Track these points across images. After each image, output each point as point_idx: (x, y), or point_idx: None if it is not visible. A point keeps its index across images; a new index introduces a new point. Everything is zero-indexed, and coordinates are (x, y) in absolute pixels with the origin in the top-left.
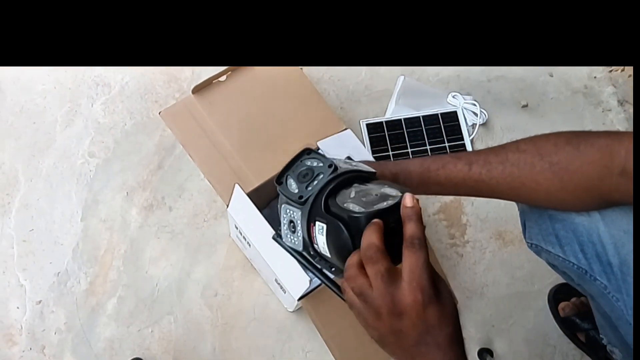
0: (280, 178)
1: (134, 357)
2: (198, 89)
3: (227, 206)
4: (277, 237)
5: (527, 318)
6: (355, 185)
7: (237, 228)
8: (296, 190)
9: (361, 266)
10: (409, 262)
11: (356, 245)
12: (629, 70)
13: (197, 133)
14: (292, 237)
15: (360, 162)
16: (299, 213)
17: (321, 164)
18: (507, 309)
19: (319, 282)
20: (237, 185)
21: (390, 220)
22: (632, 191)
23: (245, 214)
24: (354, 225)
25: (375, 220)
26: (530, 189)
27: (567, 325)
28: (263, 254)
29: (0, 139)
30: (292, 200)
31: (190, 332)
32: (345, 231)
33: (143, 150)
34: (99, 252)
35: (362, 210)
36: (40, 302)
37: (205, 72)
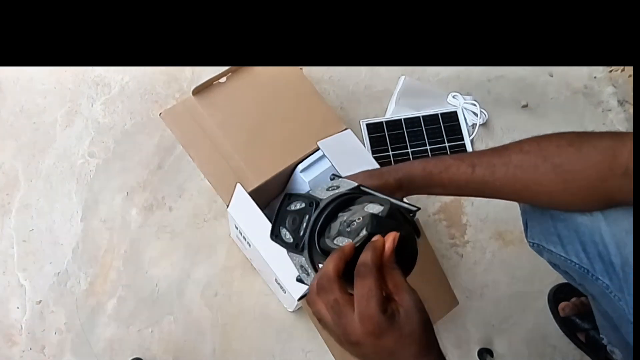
0: (274, 232)
1: (134, 357)
2: (198, 91)
3: (227, 206)
4: (299, 280)
5: (527, 318)
6: (340, 214)
7: (237, 228)
8: (291, 240)
9: (318, 292)
10: (356, 291)
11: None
12: (629, 70)
13: (198, 134)
14: (308, 280)
15: (352, 175)
16: (303, 259)
17: (303, 205)
18: (507, 309)
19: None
20: (238, 185)
21: None
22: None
23: (245, 214)
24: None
25: (342, 249)
26: (534, 191)
27: (567, 325)
28: (263, 254)
29: (0, 139)
30: (291, 249)
31: (190, 332)
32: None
33: (143, 150)
34: (99, 252)
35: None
36: (40, 302)
37: (206, 72)
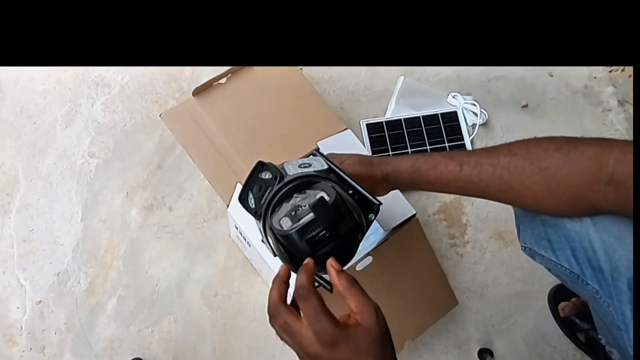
0: (242, 195)
1: (134, 357)
2: (198, 91)
3: (228, 206)
4: (263, 242)
5: (527, 318)
6: (295, 195)
7: (237, 228)
8: (253, 206)
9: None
10: (303, 311)
11: (294, 260)
12: (629, 70)
13: (198, 135)
14: (266, 244)
15: (343, 155)
16: (260, 225)
17: (270, 176)
18: (507, 309)
19: (317, 283)
20: (239, 185)
21: (312, 231)
22: (619, 200)
23: (245, 214)
24: (285, 242)
25: (277, 274)
26: (519, 193)
27: (567, 325)
28: (263, 254)
29: (0, 139)
30: (252, 215)
31: (190, 332)
32: (281, 247)
33: (143, 150)
34: (99, 252)
35: (289, 228)
36: (40, 302)
37: (205, 72)
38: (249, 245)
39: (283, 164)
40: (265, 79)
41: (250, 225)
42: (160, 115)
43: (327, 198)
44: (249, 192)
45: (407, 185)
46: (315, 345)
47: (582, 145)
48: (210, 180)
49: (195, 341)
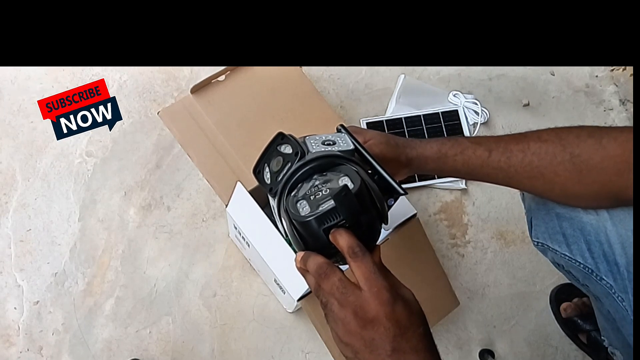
0: (257, 167)
1: (132, 358)
2: (197, 89)
3: (226, 206)
4: (273, 218)
5: (529, 319)
6: (316, 177)
7: (236, 228)
8: (268, 181)
9: (319, 285)
10: (360, 271)
11: (307, 246)
12: (631, 69)
13: (196, 133)
14: (278, 224)
15: (372, 132)
16: (275, 204)
17: (290, 151)
18: (509, 309)
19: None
20: (239, 184)
21: (331, 220)
22: None
23: (245, 213)
24: (301, 228)
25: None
26: (548, 180)
27: (569, 326)
28: (262, 254)
29: None
30: (267, 191)
31: (188, 333)
32: (295, 232)
33: (141, 149)
34: (96, 252)
35: (306, 214)
36: (37, 302)
37: (204, 70)
38: (248, 246)
39: (305, 137)
40: (264, 77)
41: (249, 225)
42: (158, 113)
43: (350, 186)
44: (266, 165)
45: (430, 171)
46: (372, 307)
47: (614, 132)
48: (208, 180)
49: (194, 342)
